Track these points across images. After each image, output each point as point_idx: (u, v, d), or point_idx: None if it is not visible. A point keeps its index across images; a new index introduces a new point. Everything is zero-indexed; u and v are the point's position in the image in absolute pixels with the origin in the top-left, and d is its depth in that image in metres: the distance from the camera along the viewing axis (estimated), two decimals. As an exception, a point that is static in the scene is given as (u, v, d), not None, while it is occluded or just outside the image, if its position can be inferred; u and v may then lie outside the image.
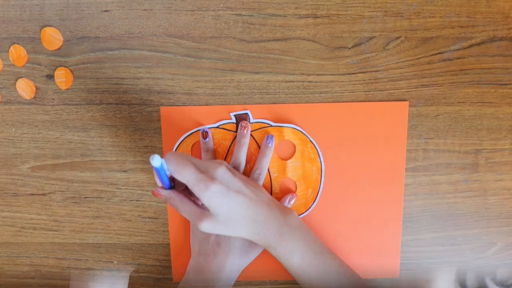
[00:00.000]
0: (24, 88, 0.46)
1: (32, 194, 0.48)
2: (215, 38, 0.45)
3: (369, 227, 0.47)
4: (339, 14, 0.44)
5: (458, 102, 0.46)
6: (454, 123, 0.46)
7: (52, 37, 0.45)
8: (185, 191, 0.42)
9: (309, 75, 0.45)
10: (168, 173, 0.39)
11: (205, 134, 0.46)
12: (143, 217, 0.48)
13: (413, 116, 0.46)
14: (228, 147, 0.47)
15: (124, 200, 0.48)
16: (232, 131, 0.46)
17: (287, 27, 0.45)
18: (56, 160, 0.47)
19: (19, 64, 0.46)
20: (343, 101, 0.46)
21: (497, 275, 0.46)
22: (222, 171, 0.39)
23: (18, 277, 0.50)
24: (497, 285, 0.46)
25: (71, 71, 0.46)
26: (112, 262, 0.49)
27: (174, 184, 0.42)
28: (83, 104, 0.46)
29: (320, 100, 0.46)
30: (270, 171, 0.47)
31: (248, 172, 0.46)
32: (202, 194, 0.37)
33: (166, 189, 0.41)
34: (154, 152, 0.47)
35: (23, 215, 0.49)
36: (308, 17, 0.44)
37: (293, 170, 0.47)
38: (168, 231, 0.48)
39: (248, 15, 0.44)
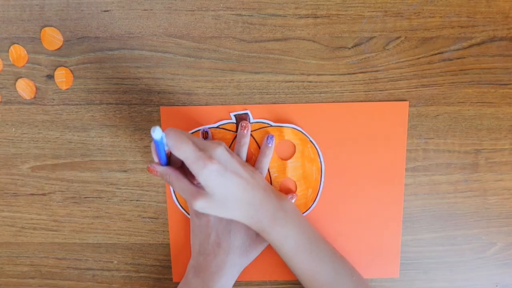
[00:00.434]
0: (24, 88, 0.46)
1: (32, 194, 0.48)
2: (215, 38, 0.45)
3: (369, 227, 0.47)
4: (339, 14, 0.44)
5: (458, 102, 0.46)
6: (454, 123, 0.46)
7: (52, 37, 0.45)
8: (181, 170, 0.42)
9: (309, 75, 0.45)
10: (166, 148, 0.38)
11: (205, 134, 0.46)
12: (143, 217, 0.48)
13: (413, 116, 0.46)
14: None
15: (124, 200, 0.48)
16: (232, 131, 0.46)
17: (287, 27, 0.45)
18: (56, 160, 0.47)
19: (19, 64, 0.46)
20: (343, 101, 0.46)
21: None
22: (220, 151, 0.38)
23: (18, 277, 0.50)
24: None
25: (71, 71, 0.46)
26: (112, 262, 0.49)
27: (170, 162, 0.42)
28: (83, 104, 0.46)
29: (320, 100, 0.46)
30: (270, 171, 0.47)
31: (248, 172, 0.46)
32: (199, 172, 0.37)
33: (162, 165, 0.41)
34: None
35: (23, 215, 0.49)
36: (308, 17, 0.44)
37: (293, 170, 0.47)
38: (168, 231, 0.48)
39: (248, 15, 0.44)
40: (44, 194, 0.48)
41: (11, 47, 0.46)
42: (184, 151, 0.37)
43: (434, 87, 0.46)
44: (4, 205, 0.49)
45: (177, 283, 0.49)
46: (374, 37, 0.45)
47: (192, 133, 0.46)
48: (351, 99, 0.46)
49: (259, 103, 0.46)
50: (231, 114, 0.46)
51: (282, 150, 0.47)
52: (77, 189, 0.48)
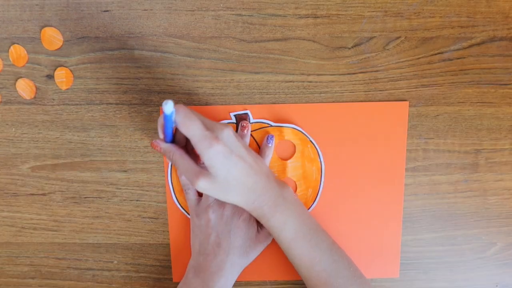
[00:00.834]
0: (24, 88, 0.46)
1: (32, 194, 0.48)
2: (215, 38, 0.45)
3: (369, 227, 0.47)
4: (339, 14, 0.44)
5: (458, 102, 0.46)
6: (454, 123, 0.46)
7: (52, 37, 0.45)
8: (184, 149, 0.41)
9: (309, 75, 0.45)
10: (173, 126, 0.38)
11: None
12: (143, 217, 0.48)
13: (413, 116, 0.46)
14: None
15: (124, 200, 0.48)
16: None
17: (287, 27, 0.45)
18: (56, 160, 0.47)
19: (19, 64, 0.46)
20: (343, 101, 0.46)
21: None
22: (228, 133, 0.38)
23: (18, 277, 0.50)
24: None
25: (71, 71, 0.46)
26: (112, 262, 0.49)
27: (174, 140, 0.41)
28: (83, 104, 0.46)
29: (320, 100, 0.46)
30: (270, 171, 0.47)
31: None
32: (204, 152, 0.37)
33: (167, 142, 0.41)
34: (154, 152, 0.47)
35: (23, 215, 0.49)
36: (308, 17, 0.44)
37: (293, 170, 0.47)
38: (168, 231, 0.48)
39: (248, 15, 0.44)
40: (44, 194, 0.48)
41: (11, 47, 0.46)
42: (192, 129, 0.37)
43: (434, 87, 0.46)
44: (4, 205, 0.49)
45: (177, 283, 0.49)
46: (374, 37, 0.45)
47: (192, 133, 0.46)
48: (351, 99, 0.46)
49: (259, 103, 0.46)
50: (231, 114, 0.46)
51: (282, 150, 0.47)
52: (77, 189, 0.48)
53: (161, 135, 0.40)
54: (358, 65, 0.45)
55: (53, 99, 0.46)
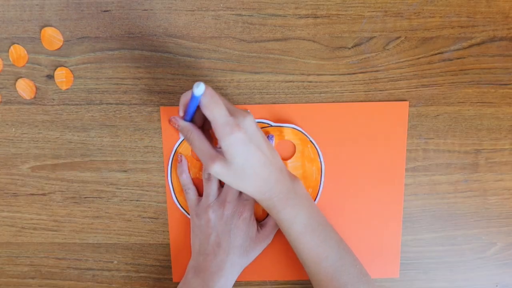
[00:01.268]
0: (24, 88, 0.46)
1: (32, 194, 0.48)
2: (215, 38, 0.45)
3: (369, 227, 0.47)
4: (339, 14, 0.44)
5: (458, 102, 0.46)
6: (454, 123, 0.46)
7: (52, 37, 0.45)
8: (200, 129, 0.42)
9: (309, 75, 0.45)
10: (196, 105, 0.38)
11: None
12: (143, 217, 0.48)
13: (413, 116, 0.46)
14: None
15: (124, 200, 0.48)
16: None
17: (287, 27, 0.45)
18: (56, 160, 0.47)
19: (19, 64, 0.46)
20: (343, 101, 0.46)
21: None
22: (249, 122, 0.38)
23: (18, 277, 0.50)
24: None
25: (71, 71, 0.46)
26: (112, 262, 0.49)
27: (192, 119, 0.41)
28: (83, 104, 0.46)
29: (320, 100, 0.46)
30: (270, 171, 0.47)
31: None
32: (224, 138, 0.37)
33: (186, 120, 0.41)
34: (154, 152, 0.47)
35: (23, 215, 0.49)
36: (308, 17, 0.44)
37: (293, 170, 0.47)
38: (168, 231, 0.48)
39: (248, 15, 0.44)
40: (44, 194, 0.48)
41: (11, 47, 0.46)
42: (215, 113, 0.36)
43: (434, 87, 0.46)
44: (4, 205, 0.49)
45: (177, 283, 0.49)
46: (374, 37, 0.45)
47: (192, 133, 0.46)
48: (351, 99, 0.46)
49: (259, 103, 0.46)
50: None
51: (282, 150, 0.47)
52: (77, 189, 0.48)
53: (181, 113, 0.40)
54: (358, 65, 0.45)
55: (53, 99, 0.46)
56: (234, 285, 0.46)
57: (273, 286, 0.49)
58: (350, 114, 0.46)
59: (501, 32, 0.45)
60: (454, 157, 0.47)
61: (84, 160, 0.47)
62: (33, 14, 0.45)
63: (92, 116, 0.47)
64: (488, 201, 0.48)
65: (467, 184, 0.47)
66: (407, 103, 0.46)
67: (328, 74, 0.45)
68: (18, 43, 0.46)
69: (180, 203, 0.48)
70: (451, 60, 0.45)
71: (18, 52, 0.46)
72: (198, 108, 0.39)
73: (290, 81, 0.46)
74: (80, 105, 0.46)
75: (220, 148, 0.38)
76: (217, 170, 0.38)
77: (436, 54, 0.45)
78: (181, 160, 0.46)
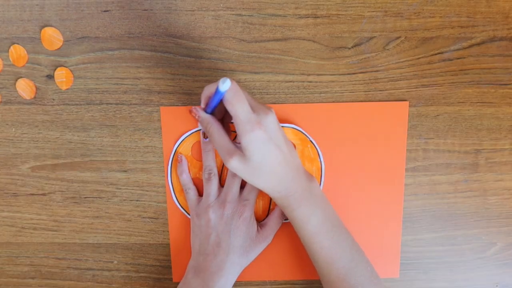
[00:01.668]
0: (24, 88, 0.46)
1: (32, 194, 0.48)
2: (215, 38, 0.45)
3: (369, 227, 0.47)
4: (339, 14, 0.44)
5: (458, 102, 0.46)
6: (454, 123, 0.46)
7: (52, 37, 0.45)
8: (220, 122, 0.42)
9: (309, 75, 0.45)
10: (220, 99, 0.38)
11: (205, 134, 0.46)
12: (143, 217, 0.48)
13: (413, 116, 0.46)
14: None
15: (124, 200, 0.48)
16: (233, 131, 0.46)
17: (287, 27, 0.45)
18: (56, 160, 0.47)
19: (19, 64, 0.46)
20: (343, 101, 0.46)
21: None
22: (271, 120, 0.38)
23: (18, 277, 0.50)
24: None
25: (71, 71, 0.46)
26: (112, 262, 0.49)
27: (213, 111, 0.41)
28: (83, 104, 0.46)
29: (320, 100, 0.46)
30: (270, 171, 0.47)
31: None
32: (244, 134, 0.37)
33: (207, 112, 0.41)
34: (154, 152, 0.47)
35: (23, 215, 0.49)
36: (308, 17, 0.44)
37: (293, 170, 0.47)
38: (168, 231, 0.48)
39: (248, 15, 0.44)
40: (44, 194, 0.48)
41: (11, 47, 0.46)
42: (238, 109, 0.36)
43: (434, 87, 0.46)
44: (4, 205, 0.49)
45: (177, 283, 0.49)
46: (374, 37, 0.45)
47: (192, 133, 0.46)
48: (351, 99, 0.46)
49: (259, 103, 0.46)
50: (231, 114, 0.46)
51: (282, 150, 0.47)
52: (77, 189, 0.48)
53: (203, 105, 0.41)
54: (358, 65, 0.45)
55: (53, 99, 0.46)
56: (234, 285, 0.46)
57: (273, 286, 0.49)
58: (350, 114, 0.46)
59: (501, 32, 0.45)
60: (454, 157, 0.47)
61: (84, 160, 0.47)
62: (33, 14, 0.45)
63: (92, 116, 0.47)
64: (488, 201, 0.48)
65: (467, 184, 0.47)
66: (407, 103, 0.46)
67: (328, 74, 0.45)
68: (18, 43, 0.46)
69: (180, 203, 0.48)
70: (451, 60, 0.45)
71: (18, 52, 0.46)
72: (220, 101, 0.39)
73: (290, 81, 0.46)
74: (80, 105, 0.46)
75: (239, 143, 0.38)
76: (234, 165, 0.39)
77: (436, 54, 0.45)
78: (181, 160, 0.46)
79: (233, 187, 0.45)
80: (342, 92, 0.46)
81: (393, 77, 0.45)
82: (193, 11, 0.45)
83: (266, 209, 0.48)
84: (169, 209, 0.48)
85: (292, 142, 0.46)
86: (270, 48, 0.45)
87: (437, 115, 0.46)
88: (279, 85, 0.46)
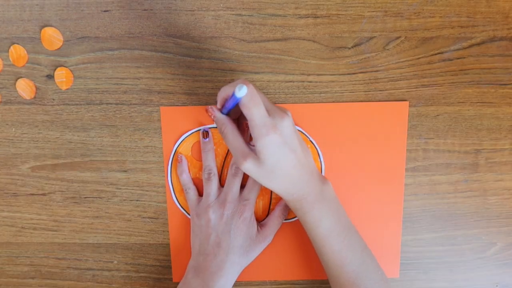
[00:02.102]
0: (24, 88, 0.46)
1: (32, 194, 0.48)
2: (215, 38, 0.45)
3: (369, 227, 0.47)
4: (339, 14, 0.44)
5: (458, 102, 0.46)
6: (454, 123, 0.46)
7: (52, 37, 0.45)
8: (235, 122, 0.42)
9: (309, 75, 0.45)
10: (236, 102, 0.37)
11: (205, 134, 0.46)
12: (143, 217, 0.48)
13: (413, 116, 0.46)
14: (228, 147, 0.47)
15: (124, 200, 0.48)
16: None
17: (287, 27, 0.45)
18: (56, 160, 0.47)
19: (19, 64, 0.46)
20: (343, 101, 0.46)
21: None
22: (287, 123, 0.38)
23: (18, 277, 0.50)
24: None
25: (71, 71, 0.46)
26: (112, 262, 0.49)
27: (229, 112, 0.41)
28: (83, 104, 0.46)
29: (320, 100, 0.46)
30: (270, 171, 0.47)
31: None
32: (260, 138, 0.37)
33: (222, 113, 0.41)
34: (154, 152, 0.47)
35: (23, 215, 0.49)
36: (308, 17, 0.44)
37: (293, 170, 0.47)
38: (168, 231, 0.48)
39: (248, 15, 0.44)
40: (44, 194, 0.48)
41: (11, 47, 0.46)
42: (253, 113, 0.36)
43: (434, 87, 0.46)
44: (4, 205, 0.49)
45: (177, 283, 0.49)
46: (374, 37, 0.45)
47: (192, 133, 0.46)
48: (351, 99, 0.46)
49: (259, 103, 0.46)
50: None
51: (282, 150, 0.47)
52: (77, 189, 0.48)
53: (219, 105, 0.40)
54: (358, 65, 0.45)
55: (53, 99, 0.46)
56: (234, 285, 0.46)
57: (273, 286, 0.49)
58: (350, 114, 0.46)
59: (501, 32, 0.45)
60: (454, 157, 0.47)
61: (84, 160, 0.47)
62: (33, 14, 0.45)
63: (92, 116, 0.47)
64: (488, 201, 0.48)
65: (467, 184, 0.47)
66: (407, 103, 0.46)
67: (328, 74, 0.45)
68: (18, 43, 0.46)
69: (180, 203, 0.48)
70: (451, 60, 0.45)
71: (18, 52, 0.46)
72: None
73: (290, 81, 0.46)
74: (80, 105, 0.46)
75: (253, 146, 0.38)
76: (248, 167, 0.38)
77: (436, 54, 0.45)
78: (181, 160, 0.46)
79: (233, 187, 0.45)
80: (342, 92, 0.46)
81: (393, 77, 0.45)
82: (193, 11, 0.45)
83: (266, 209, 0.48)
84: (169, 209, 0.48)
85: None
86: (270, 48, 0.45)
87: (437, 115, 0.46)
88: (279, 85, 0.46)
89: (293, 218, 0.48)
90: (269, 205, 0.48)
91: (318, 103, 0.46)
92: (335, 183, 0.47)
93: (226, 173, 0.46)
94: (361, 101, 0.46)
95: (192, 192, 0.46)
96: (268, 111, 0.37)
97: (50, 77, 0.46)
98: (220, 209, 0.44)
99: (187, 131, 0.46)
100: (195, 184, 0.47)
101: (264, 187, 0.47)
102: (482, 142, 0.47)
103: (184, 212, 0.48)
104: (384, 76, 0.45)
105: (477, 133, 0.46)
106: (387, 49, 0.45)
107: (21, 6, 0.45)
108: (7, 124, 0.47)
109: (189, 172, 0.47)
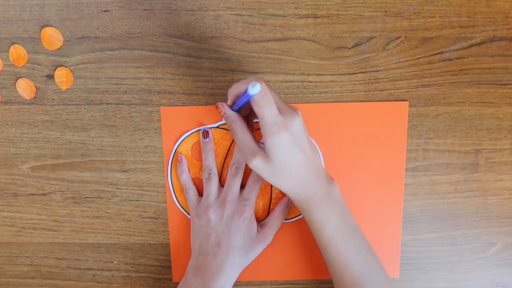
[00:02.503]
0: (24, 88, 0.46)
1: (32, 194, 0.48)
2: (215, 38, 0.45)
3: (369, 227, 0.47)
4: (339, 14, 0.44)
5: (458, 102, 0.46)
6: (454, 123, 0.46)
7: (52, 37, 0.45)
8: (245, 119, 0.42)
9: (309, 75, 0.45)
10: (248, 100, 0.37)
11: (205, 134, 0.46)
12: (143, 217, 0.48)
13: (413, 116, 0.46)
14: (228, 147, 0.47)
15: (124, 200, 0.48)
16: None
17: (287, 27, 0.45)
18: (56, 160, 0.47)
19: (19, 64, 0.46)
20: (343, 101, 0.46)
21: None
22: (298, 123, 0.38)
23: (18, 277, 0.50)
24: None
25: (71, 71, 0.46)
26: (112, 262, 0.49)
27: (239, 109, 0.41)
28: (83, 104, 0.46)
29: (320, 100, 0.46)
30: (270, 171, 0.47)
31: (248, 171, 0.46)
32: (270, 137, 0.37)
33: (233, 110, 0.41)
34: (154, 152, 0.47)
35: (23, 215, 0.49)
36: (308, 17, 0.44)
37: (293, 170, 0.47)
38: (168, 231, 0.48)
39: (248, 15, 0.44)
40: (44, 194, 0.48)
41: (11, 47, 0.46)
42: (265, 111, 0.36)
43: (434, 87, 0.46)
44: (4, 205, 0.49)
45: (177, 283, 0.49)
46: (374, 37, 0.45)
47: (192, 133, 0.46)
48: (351, 99, 0.46)
49: (259, 103, 0.46)
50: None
51: (282, 150, 0.47)
52: (77, 189, 0.48)
53: (229, 102, 0.40)
54: (358, 65, 0.45)
55: (53, 99, 0.46)
56: (234, 285, 0.46)
57: (273, 286, 0.49)
58: (350, 114, 0.46)
59: (501, 32, 0.45)
60: (454, 157, 0.47)
61: (84, 160, 0.47)
62: (33, 14, 0.45)
63: (92, 116, 0.47)
64: (488, 201, 0.48)
65: (467, 184, 0.47)
66: (407, 103, 0.46)
67: (328, 74, 0.45)
68: (18, 43, 0.46)
69: (180, 203, 0.48)
70: (451, 60, 0.45)
71: (18, 52, 0.46)
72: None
73: (290, 81, 0.46)
74: (80, 105, 0.46)
75: (263, 143, 0.38)
76: (257, 165, 0.38)
77: (436, 54, 0.45)
78: (181, 160, 0.46)
79: (233, 187, 0.45)
80: (342, 92, 0.46)
81: (393, 77, 0.45)
82: (193, 11, 0.45)
83: (266, 209, 0.48)
84: (169, 209, 0.48)
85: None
86: (270, 48, 0.45)
87: (437, 115, 0.46)
88: (279, 85, 0.46)
89: (293, 218, 0.48)
90: (269, 205, 0.48)
91: (318, 103, 0.46)
92: (335, 183, 0.47)
93: (226, 173, 0.46)
94: (361, 101, 0.46)
95: (192, 192, 0.46)
96: (279, 109, 0.37)
97: (50, 77, 0.46)
98: (220, 209, 0.44)
99: (187, 131, 0.46)
100: (195, 184, 0.47)
101: (263, 187, 0.47)
102: (482, 142, 0.47)
103: (184, 212, 0.48)
104: (384, 76, 0.45)
105: (477, 133, 0.46)
106: (387, 49, 0.45)
107: (21, 6, 0.45)
108: (7, 124, 0.47)
109: (189, 172, 0.47)
